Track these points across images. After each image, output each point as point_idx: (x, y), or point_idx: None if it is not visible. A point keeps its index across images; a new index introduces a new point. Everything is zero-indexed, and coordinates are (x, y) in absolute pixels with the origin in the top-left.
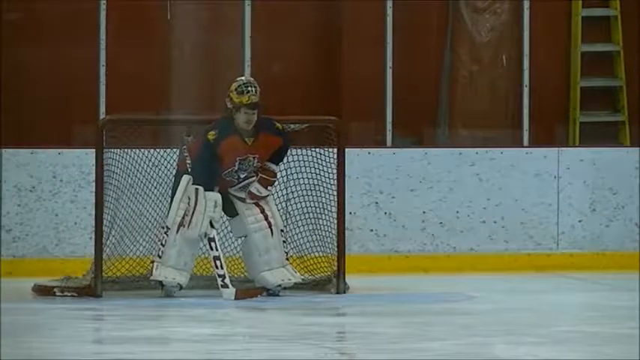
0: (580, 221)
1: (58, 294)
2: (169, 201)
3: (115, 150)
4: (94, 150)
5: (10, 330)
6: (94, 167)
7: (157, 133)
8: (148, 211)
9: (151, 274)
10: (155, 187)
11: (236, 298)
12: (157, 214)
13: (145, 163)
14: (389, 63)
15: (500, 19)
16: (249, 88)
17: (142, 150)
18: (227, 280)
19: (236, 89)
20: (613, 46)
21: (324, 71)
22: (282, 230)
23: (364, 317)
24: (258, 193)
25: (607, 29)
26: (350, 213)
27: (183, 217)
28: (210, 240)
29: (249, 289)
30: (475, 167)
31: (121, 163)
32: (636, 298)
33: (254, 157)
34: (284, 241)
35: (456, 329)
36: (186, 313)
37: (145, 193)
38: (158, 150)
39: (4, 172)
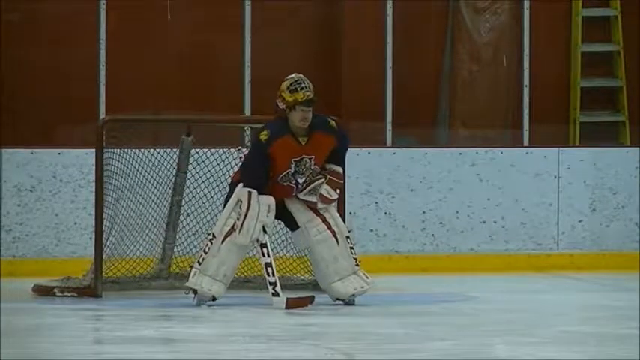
0: (580, 221)
1: (58, 294)
2: (169, 201)
3: (115, 150)
4: (94, 150)
5: (10, 330)
6: (94, 167)
7: (157, 133)
8: (148, 211)
9: (187, 280)
10: (155, 187)
11: (287, 307)
12: (157, 214)
13: (145, 163)
14: (389, 63)
15: (500, 19)
16: (303, 85)
17: (142, 150)
18: (278, 288)
19: (288, 87)
20: (613, 46)
21: (324, 71)
22: (347, 237)
23: (364, 317)
24: (328, 196)
25: (607, 29)
26: (350, 213)
27: (232, 226)
28: (262, 246)
29: (300, 298)
30: (475, 167)
31: (121, 163)
32: (636, 298)
33: (310, 159)
34: (351, 248)
35: (456, 329)
36: (186, 313)
37: (145, 193)
38: (158, 150)
39: (4, 172)
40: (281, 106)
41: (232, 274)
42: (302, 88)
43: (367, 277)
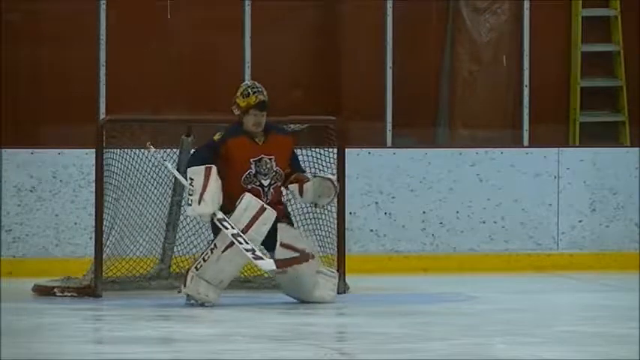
0: (580, 221)
1: (58, 294)
2: (169, 201)
3: (115, 150)
4: (94, 150)
5: (10, 330)
6: (94, 167)
7: (157, 133)
8: (147, 211)
9: (184, 286)
10: (155, 187)
11: (278, 268)
12: (157, 214)
13: (145, 163)
14: (389, 63)
15: (500, 19)
16: (256, 89)
17: (142, 150)
18: (259, 253)
19: (241, 93)
20: (613, 46)
21: (324, 71)
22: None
23: (364, 317)
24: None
25: (607, 29)
26: (350, 213)
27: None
28: (222, 220)
29: (290, 258)
30: (475, 167)
31: (121, 163)
32: (636, 298)
33: (270, 159)
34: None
35: (456, 329)
36: (186, 313)
37: (145, 193)
38: (158, 150)
39: (4, 172)
40: (236, 112)
41: (228, 282)
42: (255, 92)
43: (331, 273)
